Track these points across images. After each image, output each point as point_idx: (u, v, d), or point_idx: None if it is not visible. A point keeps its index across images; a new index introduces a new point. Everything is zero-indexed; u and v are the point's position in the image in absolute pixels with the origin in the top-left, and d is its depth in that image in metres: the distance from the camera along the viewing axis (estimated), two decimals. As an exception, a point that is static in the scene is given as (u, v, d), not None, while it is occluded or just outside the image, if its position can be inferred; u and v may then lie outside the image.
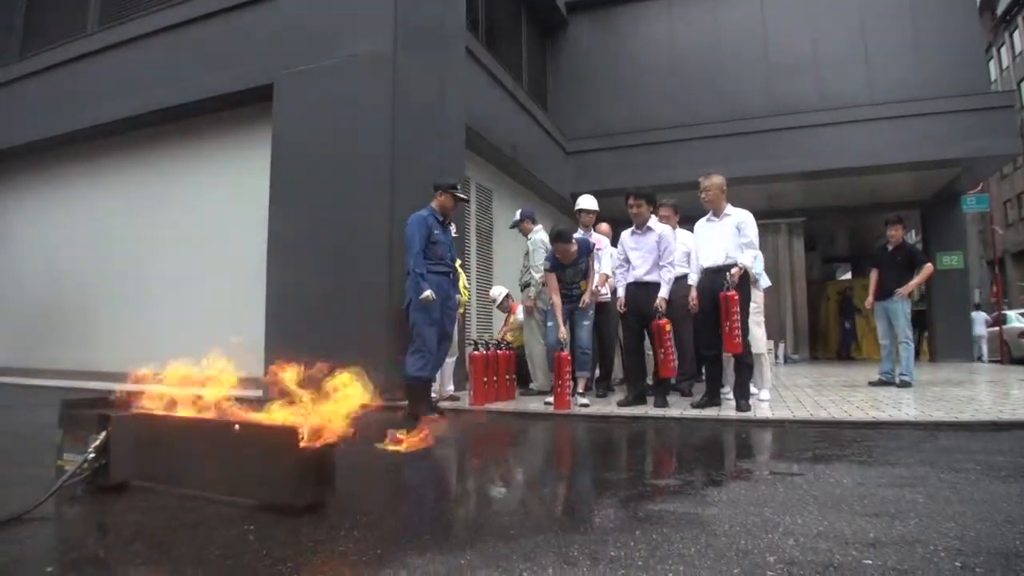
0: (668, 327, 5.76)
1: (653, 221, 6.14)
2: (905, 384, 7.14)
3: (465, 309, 7.18)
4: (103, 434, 2.63)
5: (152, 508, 2.49)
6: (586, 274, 6.29)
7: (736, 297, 5.26)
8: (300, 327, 6.79)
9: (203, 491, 2.58)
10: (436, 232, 5.62)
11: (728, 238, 5.53)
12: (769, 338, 6.99)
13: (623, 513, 2.43)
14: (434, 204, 5.78)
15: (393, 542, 2.08)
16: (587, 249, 6.29)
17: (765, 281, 6.61)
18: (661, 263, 5.92)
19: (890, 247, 7.65)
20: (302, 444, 2.35)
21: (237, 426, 2.51)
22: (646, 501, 2.60)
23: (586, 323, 6.29)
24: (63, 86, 9.84)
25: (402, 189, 6.86)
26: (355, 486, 2.87)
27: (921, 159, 11.88)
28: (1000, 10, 37.44)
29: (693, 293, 5.71)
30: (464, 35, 8.83)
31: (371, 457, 3.49)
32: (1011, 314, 15.32)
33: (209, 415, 2.77)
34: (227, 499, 2.50)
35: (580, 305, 6.26)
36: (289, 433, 2.38)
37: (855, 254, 24.33)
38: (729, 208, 5.66)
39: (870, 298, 7.73)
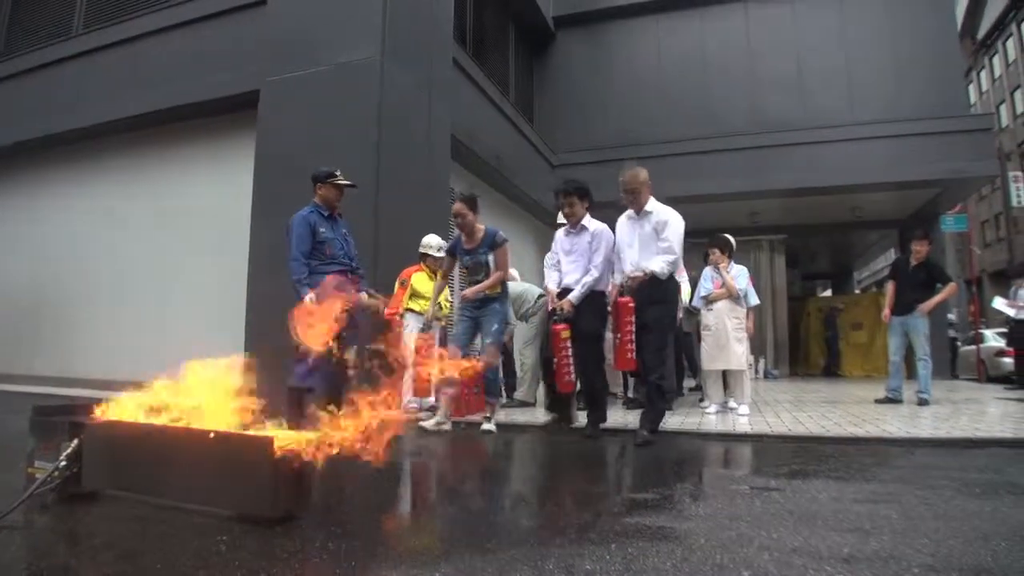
0: (564, 335, 4.96)
1: (588, 219, 5.27)
2: (924, 402, 6.94)
3: (447, 322, 7.14)
4: (75, 442, 2.59)
5: (124, 517, 2.46)
6: (487, 269, 5.42)
7: (631, 305, 4.71)
8: (280, 336, 6.73)
9: (176, 501, 2.55)
10: (322, 230, 5.12)
11: (646, 240, 4.89)
12: (750, 353, 7.00)
13: (599, 526, 2.42)
14: (316, 199, 5.24)
15: (368, 555, 2.06)
16: (491, 240, 5.41)
17: (754, 298, 6.61)
18: (589, 265, 5.10)
19: (913, 261, 7.37)
20: (277, 455, 2.33)
21: (212, 435, 2.48)
22: (622, 515, 2.60)
23: (489, 340, 5.35)
24: (46, 88, 9.76)
25: (386, 199, 6.85)
26: (330, 498, 2.85)
27: (901, 179, 12.04)
28: (980, 35, 38.22)
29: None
30: (452, 46, 8.87)
31: (346, 470, 3.46)
32: (988, 333, 15.48)
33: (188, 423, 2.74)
34: (201, 509, 2.47)
35: (460, 295, 5.57)
36: (265, 443, 2.35)
37: (836, 271, 24.59)
38: (651, 204, 4.95)
39: (886, 311, 7.47)
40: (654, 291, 4.77)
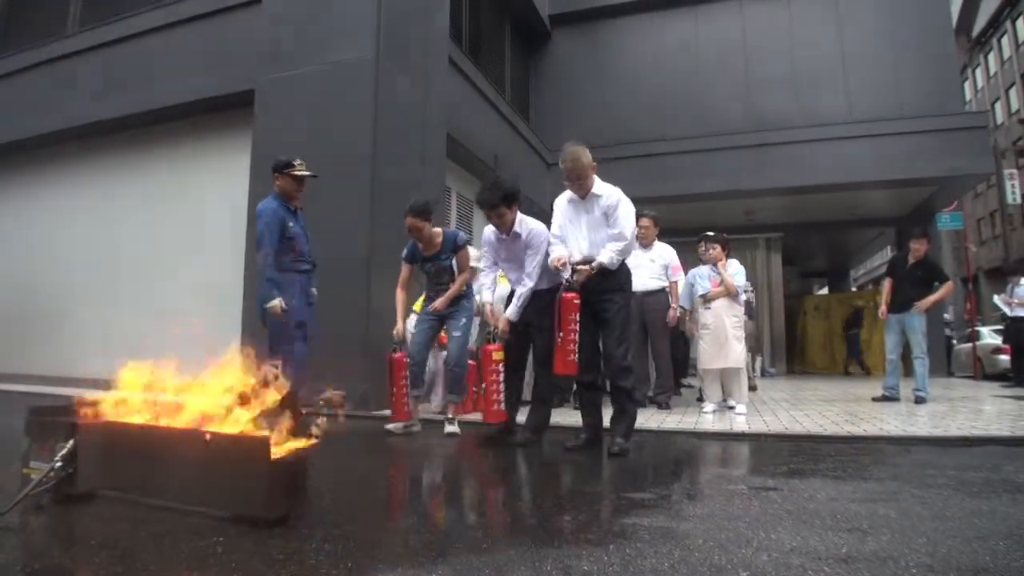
0: (496, 356, 4.58)
1: (519, 220, 4.74)
2: (921, 400, 6.98)
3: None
4: (70, 442, 2.58)
5: (119, 518, 2.45)
6: (452, 273, 5.26)
7: (576, 302, 4.15)
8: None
9: (172, 502, 2.53)
10: (291, 224, 4.83)
11: (596, 225, 4.38)
12: (747, 351, 6.99)
13: (597, 527, 2.42)
14: (275, 189, 4.92)
15: (365, 555, 2.05)
16: (452, 245, 5.24)
17: (742, 296, 6.60)
18: (522, 274, 4.67)
19: (911, 260, 7.37)
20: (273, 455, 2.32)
21: (208, 436, 2.47)
22: (620, 515, 2.60)
23: (456, 335, 5.16)
24: (41, 87, 9.71)
25: (382, 198, 6.83)
26: (327, 498, 2.84)
27: (897, 177, 12.05)
28: (975, 33, 38.29)
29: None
30: (447, 45, 8.85)
31: (343, 470, 3.46)
32: (984, 331, 15.50)
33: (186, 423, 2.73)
34: (197, 510, 2.46)
35: (429, 307, 5.26)
36: (261, 444, 2.34)
37: (832, 269, 24.64)
38: (598, 186, 4.37)
39: (883, 308, 7.47)
40: (605, 282, 4.28)
